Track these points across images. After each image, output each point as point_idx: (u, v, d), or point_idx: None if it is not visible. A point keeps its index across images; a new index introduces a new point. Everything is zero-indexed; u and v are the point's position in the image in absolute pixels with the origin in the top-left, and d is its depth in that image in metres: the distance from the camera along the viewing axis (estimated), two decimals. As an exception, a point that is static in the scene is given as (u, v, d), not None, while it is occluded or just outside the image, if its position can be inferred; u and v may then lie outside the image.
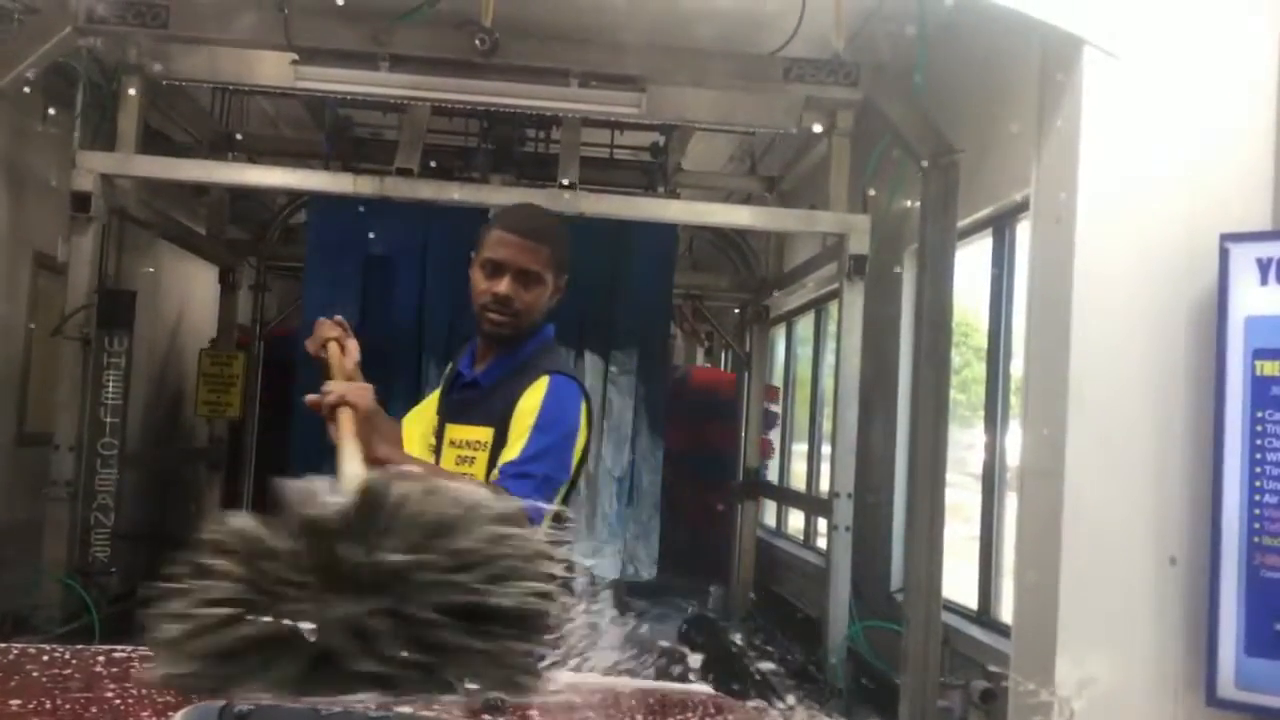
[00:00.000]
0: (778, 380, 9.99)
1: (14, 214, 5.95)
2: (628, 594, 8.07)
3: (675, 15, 5.16)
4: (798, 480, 9.62)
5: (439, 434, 2.54)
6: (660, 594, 8.51)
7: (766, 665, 6.46)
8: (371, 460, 1.96)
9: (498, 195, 6.28)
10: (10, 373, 5.96)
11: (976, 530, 5.67)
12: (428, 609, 1.06)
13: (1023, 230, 5.52)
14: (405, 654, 1.05)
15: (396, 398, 6.41)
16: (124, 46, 5.56)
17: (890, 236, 6.34)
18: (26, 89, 5.19)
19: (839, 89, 4.85)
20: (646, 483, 6.32)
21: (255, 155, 7.43)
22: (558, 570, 1.21)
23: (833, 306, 8.78)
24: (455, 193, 5.92)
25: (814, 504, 7.79)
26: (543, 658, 1.19)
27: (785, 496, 9.26)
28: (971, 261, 5.76)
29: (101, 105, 6.02)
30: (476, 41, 4.58)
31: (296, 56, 4.83)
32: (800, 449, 9.90)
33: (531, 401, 2.39)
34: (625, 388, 6.34)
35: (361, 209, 6.17)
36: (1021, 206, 5.39)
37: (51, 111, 5.97)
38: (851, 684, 5.97)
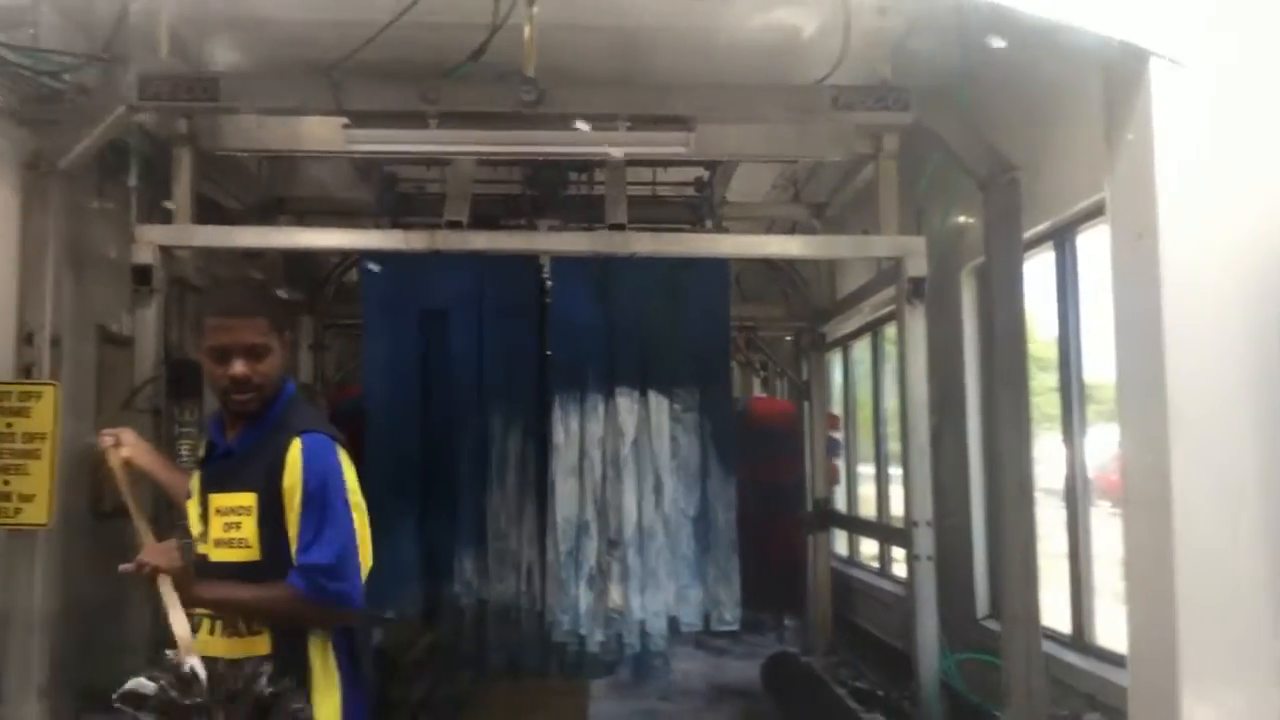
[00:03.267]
0: (836, 406, 9.87)
1: (76, 291, 6.02)
2: (705, 635, 7.94)
3: (714, 51, 5.13)
4: (865, 505, 9.48)
5: (204, 504, 2.70)
6: (735, 632, 8.38)
7: (857, 703, 6.32)
8: (195, 603, 2.60)
9: (548, 241, 6.28)
10: (85, 448, 6.00)
11: (1052, 546, 5.51)
12: None
13: (1083, 241, 5.43)
14: None
15: (461, 447, 6.41)
16: (174, 120, 5.62)
17: (944, 255, 6.23)
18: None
19: (889, 114, 4.77)
20: (722, 521, 6.18)
21: (303, 217, 7.49)
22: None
23: (888, 328, 8.69)
24: (506, 242, 5.91)
25: (890, 533, 7.63)
26: None
27: (859, 526, 9.09)
28: (1029, 276, 5.65)
29: (153, 178, 6.10)
30: (523, 92, 4.56)
31: (346, 120, 4.85)
32: (862, 472, 9.76)
33: (292, 477, 2.56)
34: (691, 425, 6.23)
35: (414, 263, 6.17)
36: (1081, 218, 5.29)
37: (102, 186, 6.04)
38: (947, 718, 5.81)
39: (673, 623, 6.08)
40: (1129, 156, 3.18)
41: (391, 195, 7.26)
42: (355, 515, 2.63)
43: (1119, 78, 3.23)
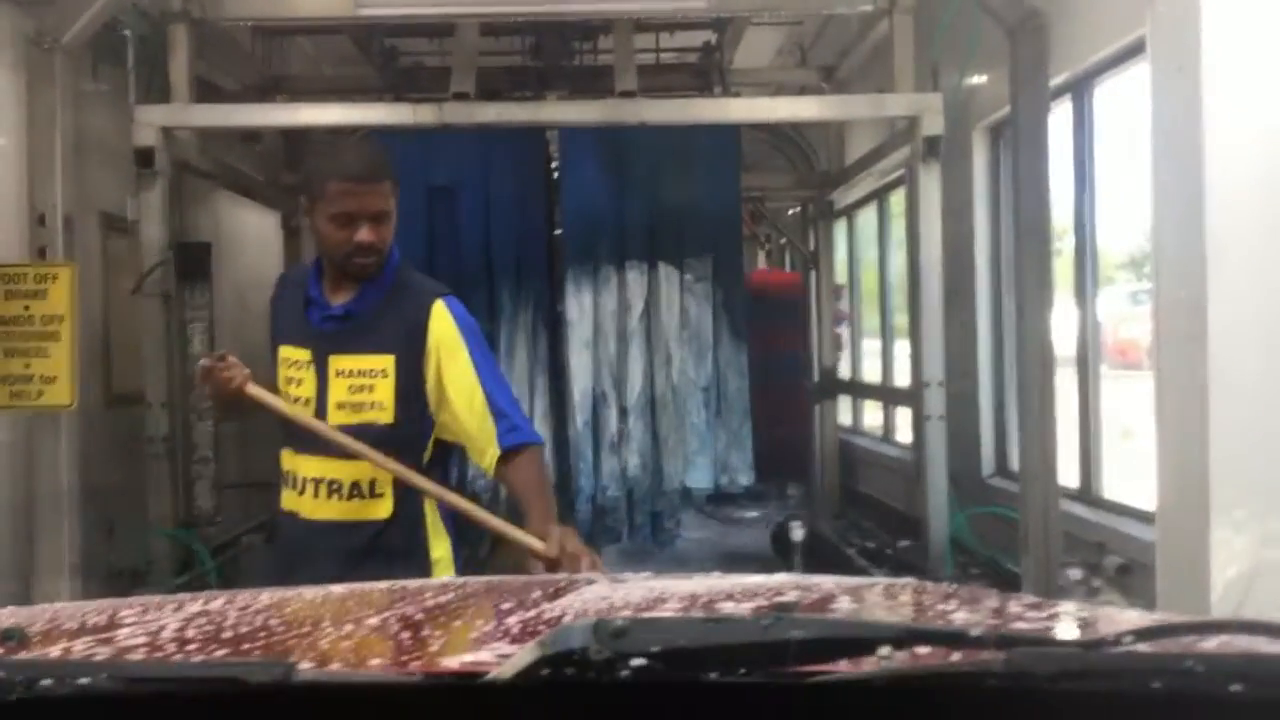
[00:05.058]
0: (841, 276, 9.87)
1: (79, 176, 5.93)
2: (708, 503, 8.09)
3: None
4: (869, 376, 9.55)
5: (320, 367, 2.55)
6: (740, 500, 8.54)
7: (867, 561, 6.48)
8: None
9: (558, 111, 6.16)
10: (94, 336, 6.00)
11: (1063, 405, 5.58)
12: None
13: (1101, 93, 5.35)
14: None
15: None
16: (170, -5, 5.46)
17: (956, 114, 6.14)
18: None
19: (914, -39, 4.63)
20: (733, 389, 6.25)
21: (302, 95, 7.32)
22: None
23: (893, 197, 8.62)
24: (516, 113, 5.80)
25: (901, 396, 7.71)
26: None
27: (869, 391, 9.18)
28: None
29: (150, 58, 5.94)
30: (535, -50, 4.43)
31: (352, -15, 4.70)
32: (867, 345, 9.81)
33: (449, 338, 2.50)
34: (702, 295, 6.25)
35: (419, 139, 6.07)
36: (1100, 69, 5.21)
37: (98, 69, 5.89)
38: (956, 571, 5.96)
39: (686, 491, 6.21)
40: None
41: (393, 70, 7.09)
42: None
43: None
